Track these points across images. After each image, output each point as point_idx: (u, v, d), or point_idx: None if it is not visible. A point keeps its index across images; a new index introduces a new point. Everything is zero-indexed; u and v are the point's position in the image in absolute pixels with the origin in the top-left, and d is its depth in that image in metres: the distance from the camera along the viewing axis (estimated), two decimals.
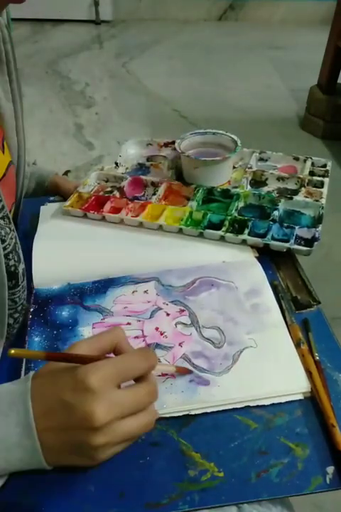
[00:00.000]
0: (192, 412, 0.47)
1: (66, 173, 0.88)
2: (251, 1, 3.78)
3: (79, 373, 0.38)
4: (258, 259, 0.66)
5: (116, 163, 0.85)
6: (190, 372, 0.51)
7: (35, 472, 0.43)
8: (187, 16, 3.78)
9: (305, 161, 0.83)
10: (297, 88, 2.69)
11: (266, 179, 0.80)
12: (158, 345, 0.54)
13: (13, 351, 0.39)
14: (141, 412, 0.40)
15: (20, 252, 0.53)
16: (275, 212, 0.71)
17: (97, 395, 0.37)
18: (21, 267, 0.52)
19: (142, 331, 0.56)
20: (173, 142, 0.87)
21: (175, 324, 0.56)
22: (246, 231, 0.68)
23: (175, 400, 0.48)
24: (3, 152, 0.55)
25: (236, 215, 0.71)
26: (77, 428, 0.37)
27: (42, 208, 0.78)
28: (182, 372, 0.51)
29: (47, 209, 0.77)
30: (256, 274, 0.63)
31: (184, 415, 0.47)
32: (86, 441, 0.37)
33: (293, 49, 3.27)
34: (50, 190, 0.83)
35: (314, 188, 0.76)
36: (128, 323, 0.57)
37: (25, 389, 0.39)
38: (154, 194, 0.77)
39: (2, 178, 0.55)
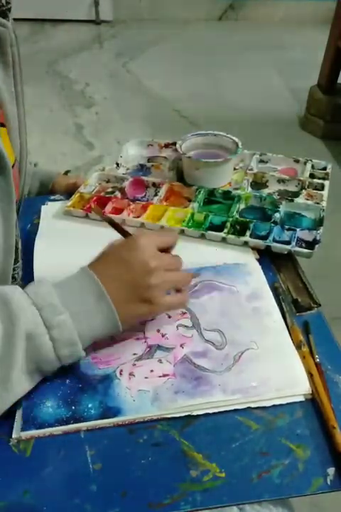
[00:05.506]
0: (194, 413, 0.48)
1: (66, 173, 0.88)
2: (251, 1, 3.78)
3: (130, 238, 0.54)
4: (259, 260, 0.66)
5: (117, 164, 0.86)
6: (195, 275, 0.61)
7: (36, 471, 0.44)
8: (187, 16, 3.78)
9: (305, 163, 0.83)
10: (297, 88, 2.69)
11: (267, 181, 0.80)
12: (159, 347, 0.54)
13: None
14: (178, 271, 0.55)
15: (19, 230, 0.58)
16: (277, 215, 0.71)
17: (147, 250, 0.51)
18: (20, 244, 0.58)
19: (143, 332, 0.56)
20: (174, 143, 0.87)
21: (177, 326, 0.57)
22: (248, 233, 0.68)
23: (176, 401, 0.48)
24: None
25: (237, 216, 0.72)
26: (136, 276, 0.50)
27: (43, 207, 0.78)
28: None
29: (49, 209, 0.78)
30: (257, 277, 0.63)
31: (186, 416, 0.48)
32: (144, 283, 0.50)
33: (293, 49, 3.27)
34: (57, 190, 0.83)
35: (314, 191, 0.76)
36: None
37: (83, 270, 0.50)
38: (155, 195, 0.78)
39: None
